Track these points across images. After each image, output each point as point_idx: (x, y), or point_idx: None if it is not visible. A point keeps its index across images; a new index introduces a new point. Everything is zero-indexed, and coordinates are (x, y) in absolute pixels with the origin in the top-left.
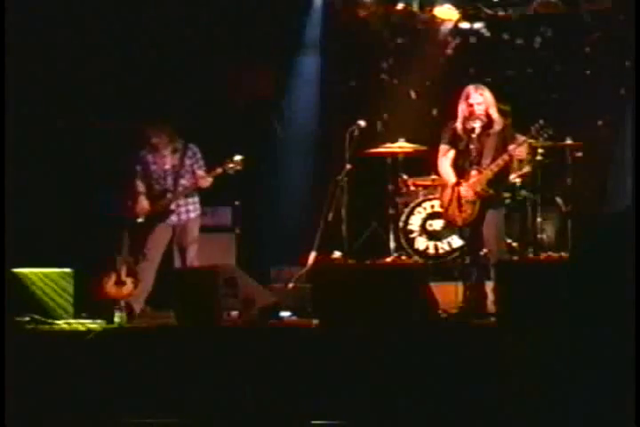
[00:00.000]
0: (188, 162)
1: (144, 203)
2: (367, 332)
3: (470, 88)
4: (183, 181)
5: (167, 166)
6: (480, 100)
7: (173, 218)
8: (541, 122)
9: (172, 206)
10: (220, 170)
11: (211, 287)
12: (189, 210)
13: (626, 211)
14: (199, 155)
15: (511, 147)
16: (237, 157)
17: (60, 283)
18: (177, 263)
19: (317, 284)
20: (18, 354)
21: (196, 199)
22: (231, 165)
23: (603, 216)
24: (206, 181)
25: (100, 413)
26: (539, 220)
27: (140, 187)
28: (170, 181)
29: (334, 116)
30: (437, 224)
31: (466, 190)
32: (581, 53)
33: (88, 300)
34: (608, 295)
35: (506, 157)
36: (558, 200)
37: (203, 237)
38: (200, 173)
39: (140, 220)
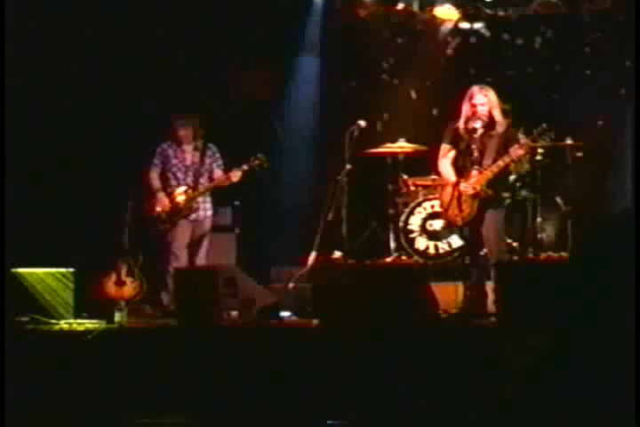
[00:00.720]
0: (207, 161)
1: (164, 200)
2: (367, 332)
3: (475, 88)
4: (202, 180)
5: (188, 163)
6: (484, 100)
7: (194, 215)
8: (544, 126)
9: (194, 204)
10: (245, 166)
11: (211, 287)
12: (207, 208)
13: (626, 211)
14: (218, 154)
15: (512, 149)
16: (260, 155)
17: (59, 283)
18: (183, 260)
19: (317, 284)
20: (18, 354)
21: (209, 198)
22: (257, 162)
23: (603, 216)
24: (236, 176)
25: (99, 413)
26: (539, 220)
27: (156, 182)
28: (190, 177)
29: (334, 116)
30: (437, 224)
31: (465, 186)
32: (581, 53)
33: (88, 300)
34: (608, 295)
35: (506, 158)
36: (558, 200)
37: None
38: (219, 171)
39: (162, 216)
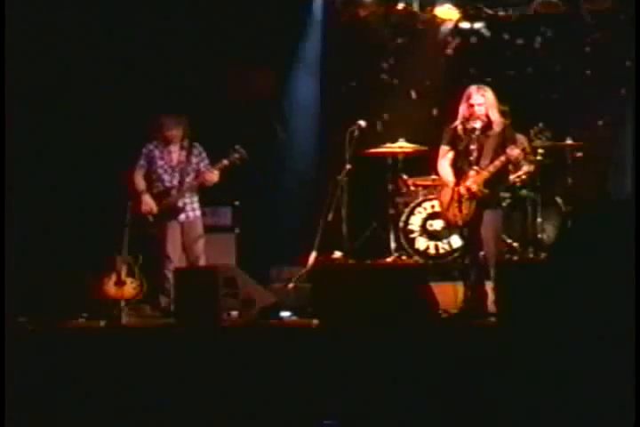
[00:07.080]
0: (194, 160)
1: (150, 202)
2: (367, 332)
3: (472, 89)
4: (188, 180)
5: (174, 163)
6: (481, 100)
7: (182, 216)
8: (540, 125)
9: (180, 204)
10: (225, 161)
11: (211, 287)
12: (194, 208)
13: (626, 211)
14: (204, 154)
15: (508, 149)
16: (238, 147)
17: None
18: (177, 263)
19: (317, 284)
20: (18, 354)
21: (197, 197)
22: (236, 155)
23: (602, 216)
24: (213, 176)
25: (99, 413)
26: (539, 220)
27: (141, 184)
28: (176, 178)
29: (334, 116)
30: (437, 224)
31: (463, 188)
32: (581, 53)
33: (89, 300)
34: (608, 295)
35: (503, 158)
36: (558, 200)
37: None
38: (204, 171)
39: (149, 219)
